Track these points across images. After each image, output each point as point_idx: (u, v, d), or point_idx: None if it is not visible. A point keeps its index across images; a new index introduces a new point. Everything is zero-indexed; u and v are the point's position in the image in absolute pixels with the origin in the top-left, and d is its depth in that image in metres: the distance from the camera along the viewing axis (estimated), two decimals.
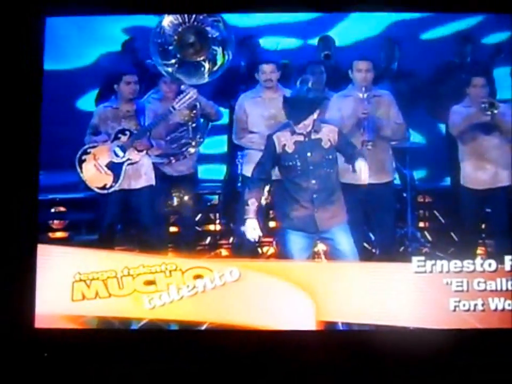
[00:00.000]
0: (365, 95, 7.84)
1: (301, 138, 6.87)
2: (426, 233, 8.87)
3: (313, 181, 6.85)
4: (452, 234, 8.68)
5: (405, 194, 8.57)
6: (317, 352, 7.07)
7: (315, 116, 6.86)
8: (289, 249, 7.01)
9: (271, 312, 7.47)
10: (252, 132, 8.16)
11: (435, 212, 9.06)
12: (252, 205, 6.94)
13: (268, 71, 8.12)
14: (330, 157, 6.88)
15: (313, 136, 6.88)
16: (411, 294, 7.45)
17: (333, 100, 8.04)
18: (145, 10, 7.99)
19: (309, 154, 6.84)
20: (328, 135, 6.90)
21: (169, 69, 8.01)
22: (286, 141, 6.90)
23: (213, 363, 7.15)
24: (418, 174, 8.80)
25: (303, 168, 6.82)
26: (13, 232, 7.56)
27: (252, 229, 6.95)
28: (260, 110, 8.12)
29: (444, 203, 8.95)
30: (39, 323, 7.58)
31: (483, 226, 8.40)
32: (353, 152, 6.91)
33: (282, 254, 7.29)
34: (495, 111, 7.82)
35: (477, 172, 8.08)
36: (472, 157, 8.09)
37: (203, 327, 7.53)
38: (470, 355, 7.13)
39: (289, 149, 6.86)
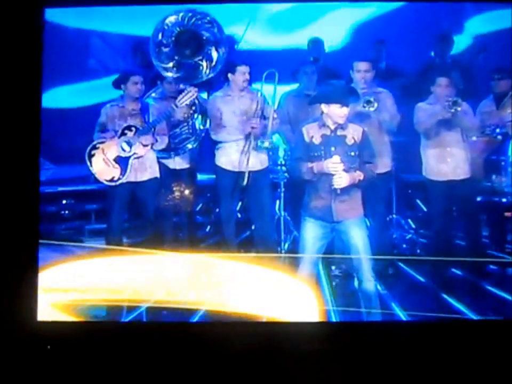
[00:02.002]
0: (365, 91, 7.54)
1: (328, 132, 6.56)
2: (409, 220, 8.46)
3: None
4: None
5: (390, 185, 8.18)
6: (315, 342, 6.65)
7: (346, 110, 6.53)
8: (307, 236, 6.62)
9: (268, 303, 7.00)
10: (226, 126, 7.81)
11: (417, 200, 8.63)
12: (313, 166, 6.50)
13: (246, 71, 7.75)
14: (352, 153, 6.55)
15: (339, 132, 6.56)
16: None
17: None
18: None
19: (332, 148, 6.52)
20: (353, 133, 6.57)
21: (170, 73, 7.68)
22: (314, 133, 6.56)
23: (212, 355, 6.72)
24: (402, 165, 8.22)
25: (326, 160, 6.47)
26: (15, 226, 7.09)
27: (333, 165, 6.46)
28: (231, 107, 7.80)
29: (425, 193, 8.36)
30: (42, 316, 7.07)
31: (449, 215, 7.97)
32: (368, 160, 6.61)
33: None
34: (458, 109, 7.53)
35: (440, 165, 7.77)
36: (435, 151, 7.78)
37: (201, 320, 7.06)
38: (468, 347, 6.66)
39: (316, 140, 6.54)
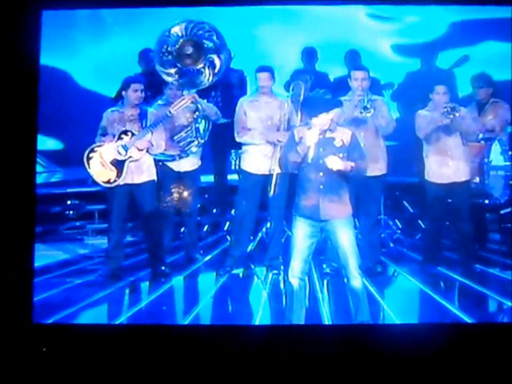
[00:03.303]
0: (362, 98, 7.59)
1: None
2: (397, 221, 8.50)
3: (321, 173, 6.36)
4: (419, 222, 8.39)
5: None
6: (308, 346, 6.45)
7: (330, 115, 6.35)
8: (297, 234, 6.46)
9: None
10: (251, 129, 7.78)
11: (404, 202, 8.78)
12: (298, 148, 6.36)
13: (263, 78, 7.73)
14: (340, 155, 6.37)
15: (327, 135, 6.41)
16: None
17: None
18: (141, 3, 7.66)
19: (321, 149, 6.37)
20: (341, 136, 6.44)
21: (170, 78, 7.60)
22: (303, 135, 6.41)
23: (208, 358, 6.42)
24: (390, 169, 8.03)
25: (314, 161, 6.35)
26: (10, 228, 6.84)
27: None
28: (257, 112, 7.79)
29: (411, 195, 8.64)
30: (37, 318, 6.85)
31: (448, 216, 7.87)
32: (356, 160, 6.39)
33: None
34: (457, 114, 7.40)
35: (441, 168, 7.65)
36: (436, 155, 7.67)
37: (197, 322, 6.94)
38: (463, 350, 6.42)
39: (305, 141, 6.36)
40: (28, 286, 6.81)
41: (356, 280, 6.30)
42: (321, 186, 6.29)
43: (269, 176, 7.61)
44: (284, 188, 7.58)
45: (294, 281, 6.32)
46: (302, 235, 6.37)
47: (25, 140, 6.94)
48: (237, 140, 7.83)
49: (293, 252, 6.36)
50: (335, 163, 6.19)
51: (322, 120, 6.27)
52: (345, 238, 6.31)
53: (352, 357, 6.37)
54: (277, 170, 7.54)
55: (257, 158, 7.72)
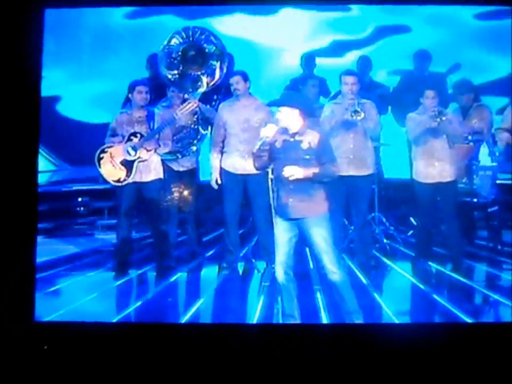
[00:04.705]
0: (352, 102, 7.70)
1: (288, 137, 6.51)
2: (390, 218, 8.55)
3: None
4: (411, 219, 8.50)
5: (373, 186, 8.19)
6: (304, 345, 6.49)
7: (294, 111, 6.39)
8: (276, 231, 6.57)
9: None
10: (229, 134, 7.88)
11: (397, 200, 8.78)
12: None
13: (233, 81, 7.84)
14: (307, 157, 6.43)
15: (297, 138, 6.50)
16: None
17: (326, 105, 8.01)
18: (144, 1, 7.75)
19: (290, 151, 6.47)
20: (309, 138, 6.47)
21: (171, 78, 7.82)
22: (276, 138, 6.51)
23: (204, 356, 6.41)
24: (384, 168, 8.49)
25: (284, 163, 6.43)
26: (12, 227, 6.80)
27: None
28: (236, 115, 7.86)
29: (403, 193, 8.55)
30: (39, 316, 6.79)
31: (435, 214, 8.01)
32: (325, 164, 6.42)
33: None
34: (443, 118, 7.60)
35: (427, 169, 7.80)
36: (423, 156, 7.82)
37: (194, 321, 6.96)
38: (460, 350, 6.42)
39: (278, 144, 6.50)
40: (29, 284, 6.76)
41: (334, 275, 6.29)
42: (291, 186, 6.33)
43: (248, 175, 7.70)
44: (264, 187, 7.67)
45: (280, 274, 6.39)
46: (280, 230, 6.44)
47: (28, 137, 6.89)
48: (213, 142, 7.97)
49: (275, 247, 6.45)
50: (294, 172, 6.25)
51: (285, 115, 6.36)
52: (318, 236, 6.32)
53: (347, 355, 6.38)
54: (249, 170, 7.55)
55: (234, 158, 7.82)
